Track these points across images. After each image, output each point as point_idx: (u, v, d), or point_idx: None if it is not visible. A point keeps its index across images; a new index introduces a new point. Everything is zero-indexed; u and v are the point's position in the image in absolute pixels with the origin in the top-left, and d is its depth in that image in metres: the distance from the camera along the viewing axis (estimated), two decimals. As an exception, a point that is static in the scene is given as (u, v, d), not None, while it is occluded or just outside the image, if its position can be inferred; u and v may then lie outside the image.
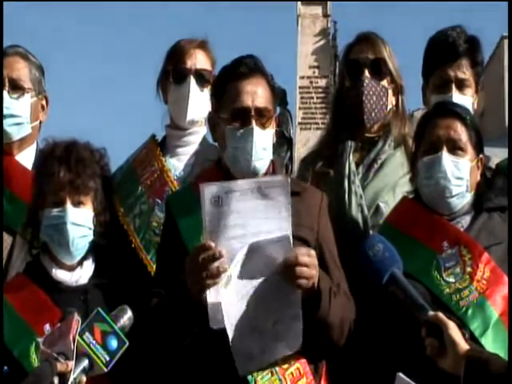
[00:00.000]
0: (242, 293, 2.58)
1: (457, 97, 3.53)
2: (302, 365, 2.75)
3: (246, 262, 2.57)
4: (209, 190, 2.53)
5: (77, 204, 2.92)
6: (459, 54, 3.57)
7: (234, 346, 2.59)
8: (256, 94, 2.85)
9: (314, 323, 2.66)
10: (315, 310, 2.66)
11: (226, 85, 2.90)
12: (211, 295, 2.55)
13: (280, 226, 2.58)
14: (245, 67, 2.88)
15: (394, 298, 2.68)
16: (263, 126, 2.86)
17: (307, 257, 2.60)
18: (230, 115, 2.86)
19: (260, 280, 2.59)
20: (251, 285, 2.59)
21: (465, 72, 3.58)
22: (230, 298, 2.56)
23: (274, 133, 2.94)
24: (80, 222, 2.92)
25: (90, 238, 2.95)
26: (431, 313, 2.60)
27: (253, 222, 2.57)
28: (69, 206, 2.90)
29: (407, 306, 2.65)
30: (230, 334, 2.57)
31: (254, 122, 2.83)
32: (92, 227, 2.95)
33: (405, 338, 2.78)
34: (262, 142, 2.85)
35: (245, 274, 2.58)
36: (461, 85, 3.57)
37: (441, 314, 2.59)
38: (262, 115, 2.85)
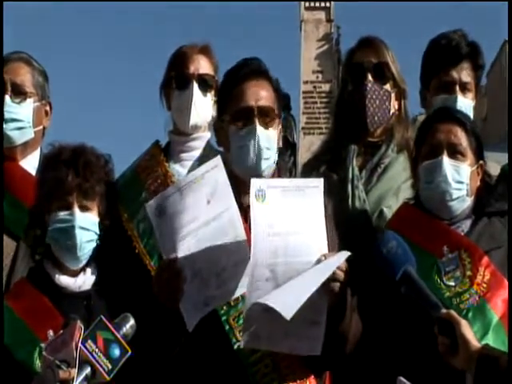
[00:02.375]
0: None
1: (460, 99, 3.55)
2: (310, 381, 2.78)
3: (284, 258, 2.57)
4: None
5: (83, 208, 2.92)
6: (462, 56, 3.60)
7: (246, 322, 2.58)
8: (259, 94, 2.85)
9: (333, 334, 2.62)
10: (337, 322, 2.63)
11: (230, 87, 2.90)
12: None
13: (316, 226, 2.60)
14: (248, 69, 2.88)
15: (407, 295, 2.68)
16: (266, 125, 2.85)
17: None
18: (233, 115, 2.87)
19: (292, 270, 2.56)
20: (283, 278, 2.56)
21: (468, 75, 3.60)
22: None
23: (279, 136, 2.94)
24: (87, 226, 2.92)
25: (96, 242, 2.96)
26: (444, 310, 2.60)
27: (291, 220, 2.58)
28: (76, 210, 2.90)
29: (420, 304, 2.65)
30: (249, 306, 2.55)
31: (256, 121, 2.82)
32: (98, 232, 2.95)
33: (414, 337, 2.81)
34: (266, 141, 2.84)
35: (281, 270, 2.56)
36: (463, 88, 3.60)
37: (453, 312, 2.60)
38: (265, 115, 2.85)
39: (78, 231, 2.89)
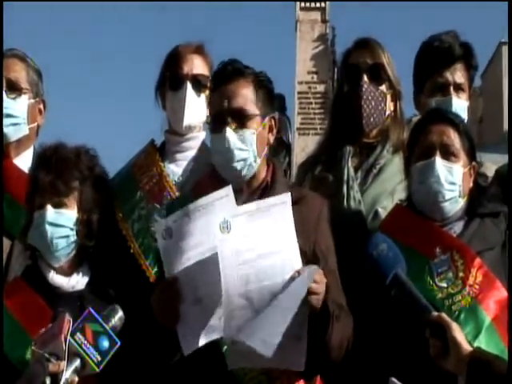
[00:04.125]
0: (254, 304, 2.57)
1: (455, 100, 3.56)
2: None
3: (257, 284, 2.56)
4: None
5: (57, 205, 2.92)
6: (455, 57, 3.61)
7: (231, 344, 2.58)
8: (233, 96, 2.81)
9: (314, 344, 2.62)
10: (317, 333, 2.62)
11: (212, 93, 2.93)
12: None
13: (287, 244, 2.59)
14: (223, 73, 2.87)
15: (397, 298, 2.69)
16: (240, 127, 2.81)
17: (317, 274, 2.59)
18: (210, 123, 2.89)
19: (268, 293, 2.56)
20: (260, 295, 2.56)
21: (461, 76, 3.62)
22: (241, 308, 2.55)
23: (266, 134, 2.89)
24: (58, 222, 2.91)
25: (73, 238, 2.94)
26: (435, 313, 2.61)
27: (260, 243, 2.57)
28: (48, 207, 2.91)
29: (410, 307, 2.66)
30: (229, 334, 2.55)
31: (227, 125, 2.80)
32: (74, 228, 2.94)
33: (405, 340, 2.80)
34: (238, 142, 2.80)
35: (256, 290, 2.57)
36: (457, 88, 3.61)
37: (444, 315, 2.61)
38: (237, 116, 2.81)
39: (47, 227, 2.89)
